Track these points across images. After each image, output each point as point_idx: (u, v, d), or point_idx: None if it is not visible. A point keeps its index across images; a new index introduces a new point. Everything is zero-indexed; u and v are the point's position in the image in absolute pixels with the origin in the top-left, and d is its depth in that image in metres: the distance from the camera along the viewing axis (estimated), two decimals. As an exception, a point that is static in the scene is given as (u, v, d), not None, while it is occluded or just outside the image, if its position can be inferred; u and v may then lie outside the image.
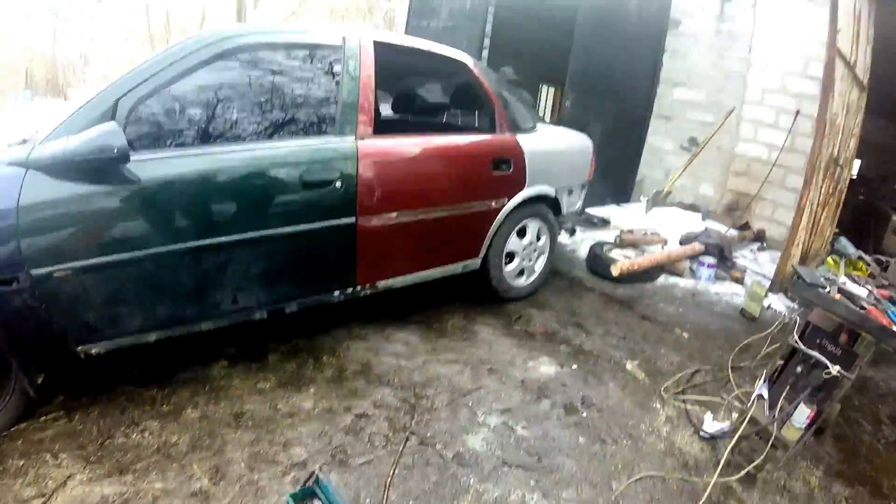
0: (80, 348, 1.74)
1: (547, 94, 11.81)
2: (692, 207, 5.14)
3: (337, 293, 2.21)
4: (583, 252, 4.07)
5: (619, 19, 5.05)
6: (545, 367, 2.46)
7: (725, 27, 5.09)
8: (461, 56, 2.71)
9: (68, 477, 1.59)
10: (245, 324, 2.08)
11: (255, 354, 2.28)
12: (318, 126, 2.06)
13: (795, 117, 4.68)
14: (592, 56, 4.82)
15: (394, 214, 2.21)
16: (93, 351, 1.76)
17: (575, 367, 2.50)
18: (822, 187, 3.74)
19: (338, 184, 2.00)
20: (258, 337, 2.40)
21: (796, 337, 2.15)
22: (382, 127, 2.37)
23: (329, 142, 2.03)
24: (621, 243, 3.97)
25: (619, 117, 5.07)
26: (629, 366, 2.58)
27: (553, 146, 3.10)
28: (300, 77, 2.05)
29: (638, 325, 3.08)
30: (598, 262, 3.70)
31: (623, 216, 4.81)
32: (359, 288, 2.27)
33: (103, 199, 1.63)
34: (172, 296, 1.82)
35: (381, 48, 2.25)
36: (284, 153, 1.92)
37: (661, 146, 5.38)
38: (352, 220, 2.08)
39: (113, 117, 1.66)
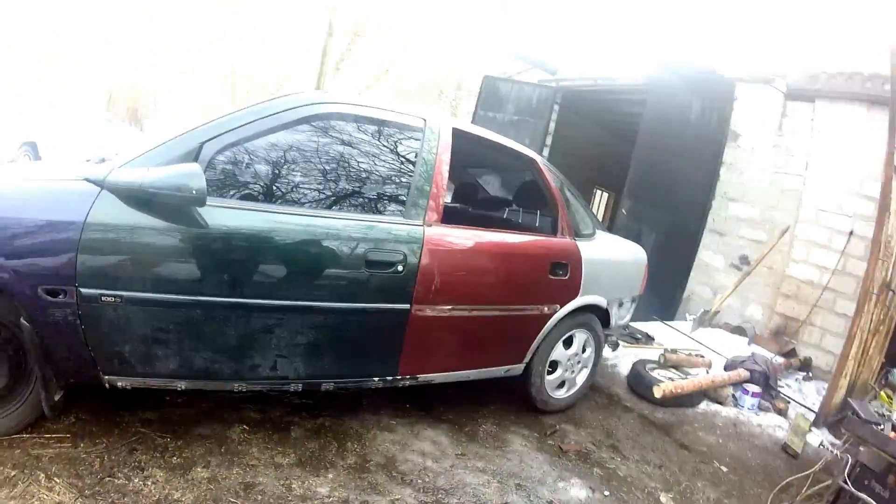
0: (107, 378, 1.71)
1: (600, 199, 11.97)
2: (738, 330, 4.90)
3: (377, 379, 2.10)
4: (623, 368, 3.87)
5: (679, 129, 5.11)
6: (575, 491, 2.26)
7: (784, 142, 5.07)
8: (530, 153, 2.72)
9: (57, 504, 1.50)
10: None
11: (278, 425, 2.16)
12: (387, 205, 2.05)
13: (849, 238, 4.51)
14: (652, 164, 4.85)
15: (448, 307, 2.13)
16: (119, 384, 1.72)
17: (607, 493, 2.30)
18: (873, 314, 3.53)
19: (399, 267, 1.94)
20: (284, 406, 2.30)
21: (845, 477, 2.00)
22: (444, 215, 2.34)
23: (397, 223, 2.00)
24: (665, 363, 3.76)
25: (672, 229, 5.00)
26: (663, 498, 2.36)
27: (610, 255, 3.02)
28: (377, 153, 2.07)
29: (675, 454, 2.85)
30: (640, 381, 3.49)
31: (668, 334, 4.61)
32: (399, 377, 2.15)
33: (168, 237, 1.63)
34: (213, 348, 1.77)
35: (457, 135, 2.27)
36: (354, 227, 1.89)
37: (711, 262, 5.24)
38: (406, 306, 2.01)
39: (196, 159, 1.68)
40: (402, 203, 2.04)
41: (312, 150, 1.92)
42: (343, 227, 1.86)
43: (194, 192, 1.53)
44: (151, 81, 17.38)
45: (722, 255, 5.22)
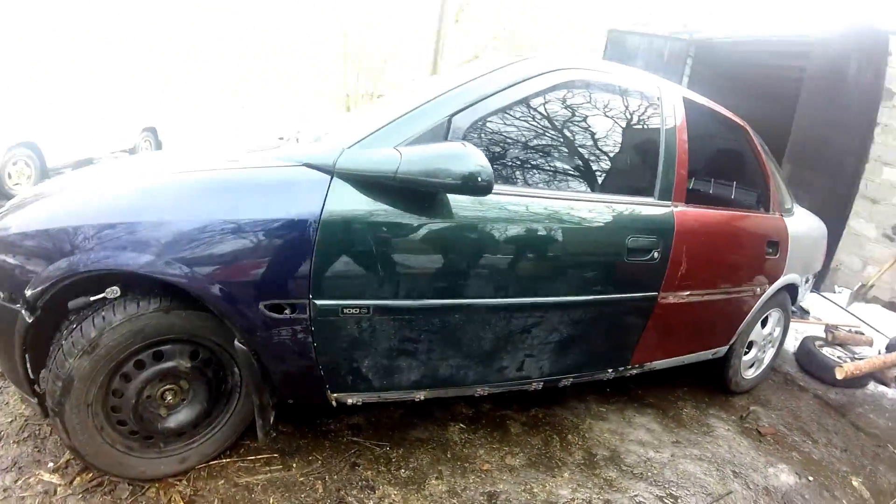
0: (335, 395, 1.55)
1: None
2: (891, 306, 4.57)
3: (611, 371, 2.03)
4: (787, 345, 3.70)
5: (836, 87, 4.62)
6: (784, 476, 2.19)
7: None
8: (739, 119, 2.50)
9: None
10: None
11: (493, 420, 2.11)
12: (638, 185, 1.89)
13: None
14: (811, 126, 4.43)
15: (686, 293, 2.01)
16: (349, 401, 1.57)
17: (811, 479, 2.23)
18: None
19: (655, 254, 1.83)
20: (491, 399, 2.24)
21: None
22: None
23: (652, 206, 1.85)
24: (832, 340, 3.55)
25: (826, 196, 4.62)
26: (855, 483, 2.28)
27: (808, 231, 2.81)
28: (621, 126, 1.91)
29: (854, 436, 2.73)
30: (811, 359, 3.32)
31: (821, 306, 4.34)
32: (629, 367, 2.08)
33: (426, 232, 1.41)
34: (465, 354, 1.65)
35: (686, 104, 2.07)
36: (617, 212, 1.75)
37: (862, 231, 4.84)
38: (654, 294, 1.90)
39: (446, 136, 1.46)
40: (652, 182, 1.88)
41: (561, 122, 1.75)
42: (607, 212, 1.73)
43: (480, 179, 1.26)
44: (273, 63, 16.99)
45: (874, 224, 4.80)
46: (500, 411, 2.20)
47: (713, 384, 2.76)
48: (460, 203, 1.45)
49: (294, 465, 1.69)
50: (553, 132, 1.74)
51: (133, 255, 1.26)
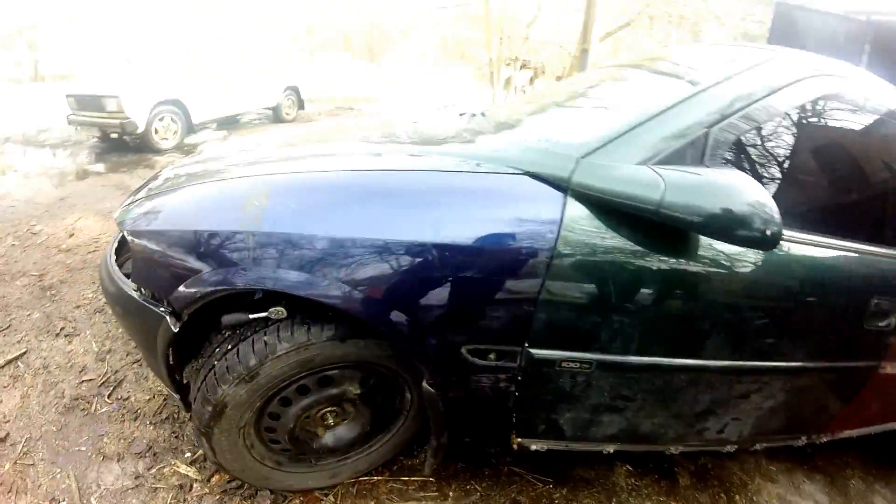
0: (519, 440, 1.41)
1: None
2: None
3: (804, 438, 1.80)
4: None
5: None
6: None
7: None
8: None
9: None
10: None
11: (662, 466, 1.95)
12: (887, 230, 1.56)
13: None
14: None
15: (905, 363, 1.72)
16: (533, 447, 1.44)
17: None
18: None
19: (893, 320, 1.55)
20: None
21: None
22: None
23: None
24: None
25: None
26: None
27: None
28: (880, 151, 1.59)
29: None
30: None
31: None
32: (823, 435, 1.83)
33: (669, 279, 1.18)
34: (673, 414, 1.48)
35: None
36: (866, 266, 1.46)
37: None
38: (876, 364, 1.63)
39: (703, 155, 1.18)
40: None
41: (819, 142, 1.48)
42: (857, 265, 1.45)
43: (770, 232, 0.99)
44: (382, 17, 16.93)
45: None
46: (665, 456, 2.02)
47: (884, 452, 2.43)
48: (715, 248, 1.21)
49: (451, 493, 1.62)
50: (809, 155, 1.49)
51: (301, 277, 1.08)
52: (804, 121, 1.42)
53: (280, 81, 8.49)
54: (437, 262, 1.07)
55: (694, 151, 1.18)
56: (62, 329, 2.46)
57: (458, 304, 1.12)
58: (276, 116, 8.57)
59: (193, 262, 1.16)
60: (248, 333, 1.25)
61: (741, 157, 1.30)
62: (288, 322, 1.24)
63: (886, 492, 2.28)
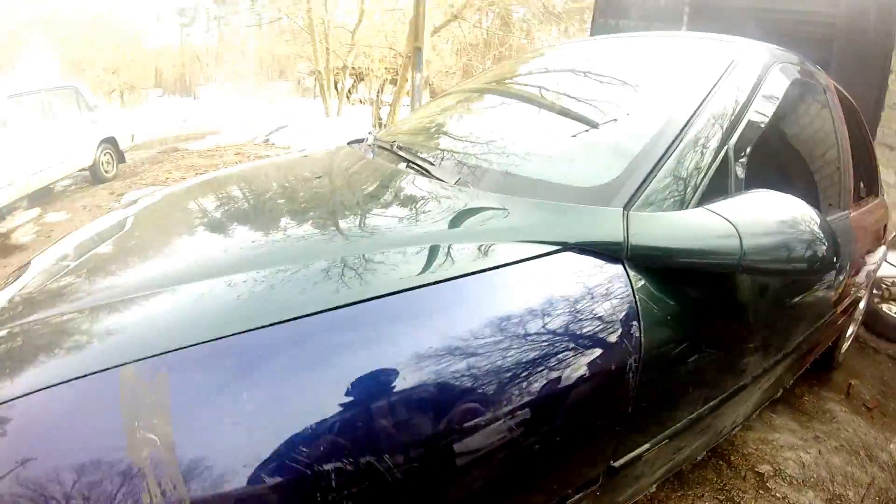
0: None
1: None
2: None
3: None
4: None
5: (847, 34, 4.62)
6: None
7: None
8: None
9: None
10: None
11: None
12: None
13: None
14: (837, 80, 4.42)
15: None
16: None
17: None
18: None
19: None
20: None
21: None
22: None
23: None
24: (890, 296, 3.66)
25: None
26: None
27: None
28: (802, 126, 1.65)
29: None
30: (878, 319, 3.42)
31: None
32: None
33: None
34: None
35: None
36: None
37: (883, 178, 4.96)
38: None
39: (728, 175, 1.00)
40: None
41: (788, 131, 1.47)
42: None
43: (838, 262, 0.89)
44: (192, 48, 15.60)
45: (893, 170, 4.93)
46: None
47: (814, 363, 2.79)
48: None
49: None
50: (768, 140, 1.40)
51: None
52: (788, 107, 1.37)
53: (93, 135, 7.33)
54: None
55: (720, 175, 0.98)
56: None
57: None
58: (95, 176, 7.39)
59: None
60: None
61: (758, 164, 1.15)
62: None
63: (832, 394, 2.64)
